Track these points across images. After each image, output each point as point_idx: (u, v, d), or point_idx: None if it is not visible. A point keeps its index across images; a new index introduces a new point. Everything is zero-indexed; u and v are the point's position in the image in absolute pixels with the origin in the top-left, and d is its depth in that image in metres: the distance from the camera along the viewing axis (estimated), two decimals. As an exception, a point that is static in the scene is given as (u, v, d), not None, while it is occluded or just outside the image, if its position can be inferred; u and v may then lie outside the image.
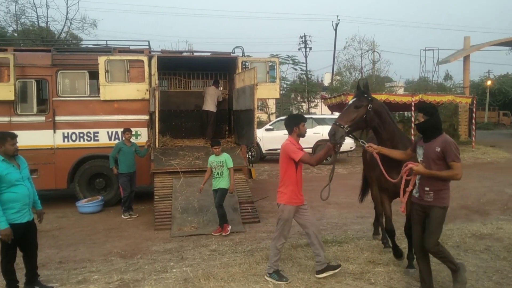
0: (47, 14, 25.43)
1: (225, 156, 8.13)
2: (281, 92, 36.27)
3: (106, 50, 11.21)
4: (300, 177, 5.34)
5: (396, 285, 5.11)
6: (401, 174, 4.72)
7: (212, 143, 8.39)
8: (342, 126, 4.94)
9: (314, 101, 34.59)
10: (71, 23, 25.84)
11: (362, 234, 7.53)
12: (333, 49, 38.06)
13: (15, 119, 10.07)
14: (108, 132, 10.54)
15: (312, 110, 34.47)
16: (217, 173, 8.04)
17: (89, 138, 10.47)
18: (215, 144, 8.26)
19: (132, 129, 10.07)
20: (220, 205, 7.97)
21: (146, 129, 10.71)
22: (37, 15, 25.40)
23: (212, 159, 8.17)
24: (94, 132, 10.51)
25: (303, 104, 34.71)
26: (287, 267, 5.69)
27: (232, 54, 11.85)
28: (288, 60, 31.73)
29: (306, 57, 38.75)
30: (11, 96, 9.82)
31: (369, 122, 5.15)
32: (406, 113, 27.20)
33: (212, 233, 7.92)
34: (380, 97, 20.54)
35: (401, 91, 34.98)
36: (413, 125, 21.57)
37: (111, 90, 10.44)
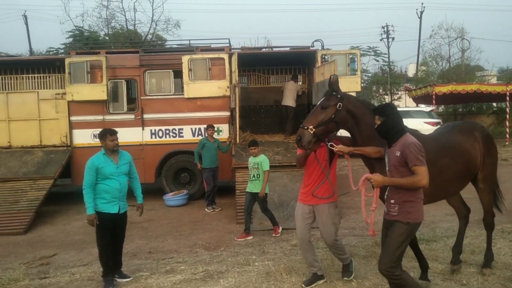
0: (135, 18, 26.99)
1: (261, 158, 7.77)
2: (362, 84, 35.36)
3: (189, 49, 11.62)
4: (307, 177, 5.03)
5: (490, 287, 4.76)
6: (358, 186, 4.09)
7: (250, 143, 7.97)
8: (307, 128, 4.38)
9: (398, 93, 33.22)
10: (156, 24, 27.15)
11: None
12: (417, 38, 36.35)
13: (108, 117, 10.79)
14: (192, 129, 10.93)
15: (396, 103, 33.16)
16: (253, 176, 7.73)
17: (174, 135, 10.93)
18: (252, 144, 7.84)
19: (214, 125, 10.37)
20: (265, 209, 7.72)
21: (227, 125, 10.95)
22: (126, 19, 27.01)
23: (250, 160, 7.89)
24: (179, 129, 10.95)
25: (386, 96, 33.51)
26: (371, 265, 5.52)
27: (311, 48, 11.74)
28: (369, 52, 30.70)
29: (388, 47, 37.38)
30: (104, 96, 10.53)
31: (340, 124, 4.51)
32: (500, 104, 25.23)
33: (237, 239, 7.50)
34: (471, 87, 19.27)
35: (493, 80, 32.52)
36: (507, 116, 19.99)
37: (194, 88, 10.80)
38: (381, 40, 38.25)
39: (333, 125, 4.49)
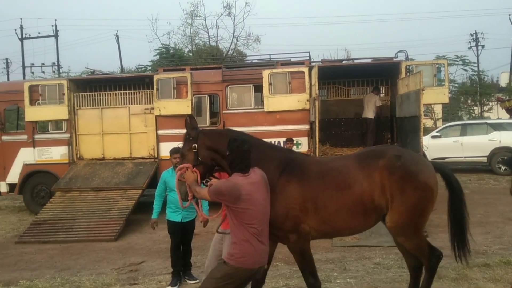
0: (217, 34, 27.93)
1: None
2: (449, 95, 33.63)
3: (270, 63, 11.80)
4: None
5: None
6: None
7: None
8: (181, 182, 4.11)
9: (488, 104, 31.15)
10: (237, 40, 27.95)
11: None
12: (510, 45, 33.97)
13: (192, 131, 11.19)
14: (271, 142, 11.01)
15: (486, 114, 31.11)
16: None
17: (254, 148, 11.08)
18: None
19: (293, 138, 10.38)
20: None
21: (306, 138, 10.92)
22: (208, 35, 28.09)
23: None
24: (259, 142, 11.08)
25: (475, 107, 31.55)
26: (463, 287, 5.17)
27: (394, 59, 11.40)
28: (457, 61, 29.17)
29: (477, 56, 35.32)
30: (188, 111, 10.97)
31: (206, 163, 4.14)
32: None
33: None
34: None
35: None
36: None
37: (274, 102, 10.93)
38: (469, 48, 36.29)
39: (203, 166, 4.14)
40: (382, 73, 12.19)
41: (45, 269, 7.27)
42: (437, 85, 10.79)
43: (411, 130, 9.73)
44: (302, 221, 4.04)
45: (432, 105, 24.91)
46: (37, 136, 11.74)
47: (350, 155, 4.61)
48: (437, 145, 16.25)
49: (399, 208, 4.05)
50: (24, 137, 11.75)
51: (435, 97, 10.69)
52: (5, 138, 11.89)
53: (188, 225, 6.11)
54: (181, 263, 6.17)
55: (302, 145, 10.94)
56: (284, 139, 10.37)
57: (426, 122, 28.78)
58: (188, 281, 6.10)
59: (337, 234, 4.49)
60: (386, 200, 4.06)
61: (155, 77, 11.23)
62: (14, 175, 11.69)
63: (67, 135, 11.61)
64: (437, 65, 10.97)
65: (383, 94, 12.81)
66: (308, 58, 11.99)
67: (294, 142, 10.43)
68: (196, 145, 4.13)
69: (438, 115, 30.35)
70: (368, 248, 7.58)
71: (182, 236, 6.11)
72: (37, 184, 11.71)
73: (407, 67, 10.97)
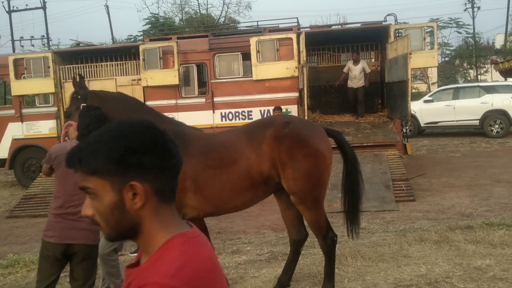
0: (207, 1, 27.44)
1: None
2: (444, 59, 33.30)
3: (257, 31, 11.61)
4: None
5: None
6: None
7: None
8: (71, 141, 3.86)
9: (484, 67, 30.89)
10: (228, 7, 27.43)
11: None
12: (506, 5, 33.41)
13: (180, 101, 11.12)
14: (260, 111, 10.95)
15: (483, 77, 30.90)
16: None
17: (243, 117, 11.03)
18: None
19: (282, 106, 10.31)
20: None
21: (296, 106, 10.84)
22: (199, 3, 27.60)
23: None
24: (248, 111, 11.03)
25: (470, 71, 31.31)
26: (443, 250, 5.23)
27: (384, 23, 11.22)
28: (451, 23, 28.76)
29: (473, 18, 34.75)
30: (176, 81, 10.85)
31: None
32: None
33: None
34: None
35: None
36: None
37: (262, 70, 10.79)
38: (465, 10, 35.65)
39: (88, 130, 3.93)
40: (372, 38, 12.00)
41: (34, 242, 7.30)
42: (428, 49, 10.65)
43: (400, 95, 9.68)
44: (182, 203, 3.79)
45: (426, 69, 24.74)
46: (24, 111, 11.63)
47: (238, 127, 4.37)
48: (430, 110, 16.22)
49: (292, 175, 3.87)
50: (12, 111, 11.64)
51: (424, 61, 10.57)
52: (-7, 112, 11.78)
53: None
54: None
55: (292, 113, 10.86)
56: (273, 107, 10.30)
57: (420, 86, 28.65)
58: None
59: (223, 212, 4.27)
60: (276, 170, 3.89)
61: (141, 47, 11.04)
62: (3, 150, 11.63)
63: (55, 109, 11.50)
64: (426, 28, 10.80)
65: (373, 59, 12.66)
66: (296, 24, 11.78)
67: (283, 110, 10.37)
68: (84, 105, 3.95)
69: (432, 80, 30.17)
70: (356, 213, 7.63)
71: None
72: (28, 159, 11.68)
73: (397, 31, 10.80)
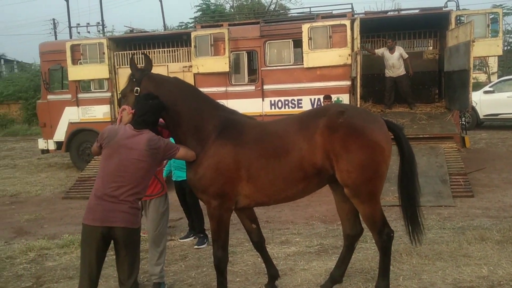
0: (259, -12, 27.12)
1: None
2: (506, 48, 31.44)
3: (310, 17, 11.34)
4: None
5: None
6: None
7: None
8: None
9: (550, 57, 28.95)
10: (279, -7, 27.06)
11: None
12: None
13: (230, 89, 11.08)
14: (310, 99, 10.72)
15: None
16: None
17: (293, 105, 10.85)
18: None
19: (333, 95, 10.07)
20: None
21: (347, 95, 10.53)
22: (250, -10, 27.36)
23: None
24: (298, 99, 10.83)
25: (535, 60, 29.44)
26: (507, 251, 4.90)
27: (444, 9, 10.64)
28: (515, 10, 27.07)
29: (540, 4, 32.56)
30: (226, 68, 10.80)
31: None
32: None
33: None
34: None
35: None
36: None
37: (313, 57, 10.53)
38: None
39: None
40: (431, 25, 11.42)
41: (88, 223, 7.53)
42: (491, 36, 10.01)
43: (460, 85, 9.17)
44: (229, 189, 3.78)
45: (486, 58, 23.46)
46: (80, 95, 11.99)
47: (292, 116, 4.18)
48: (490, 101, 15.37)
49: (346, 167, 3.66)
50: (68, 96, 12.03)
51: (488, 49, 9.93)
52: (50, 97, 12.22)
53: (184, 183, 5.63)
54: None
55: (343, 102, 10.57)
56: (323, 96, 10.06)
57: (480, 76, 27.22)
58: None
59: (274, 202, 4.13)
60: (330, 161, 3.70)
61: (193, 34, 11.05)
62: (60, 133, 12.07)
63: (109, 94, 11.77)
64: (490, 15, 10.13)
65: (431, 47, 12.09)
66: (350, 10, 11.41)
67: (334, 99, 10.11)
68: (138, 88, 3.90)
69: (492, 69, 28.59)
70: (409, 208, 7.33)
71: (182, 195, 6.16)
72: (83, 142, 12.06)
73: (458, 17, 10.21)
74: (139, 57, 11.71)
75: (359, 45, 9.77)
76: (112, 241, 3.42)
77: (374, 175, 3.75)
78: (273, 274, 4.35)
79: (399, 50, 10.79)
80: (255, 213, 4.34)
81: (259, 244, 4.35)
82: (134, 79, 3.96)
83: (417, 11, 11.12)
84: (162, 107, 3.71)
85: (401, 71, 10.80)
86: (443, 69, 10.78)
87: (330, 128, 3.69)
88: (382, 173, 3.81)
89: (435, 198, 7.70)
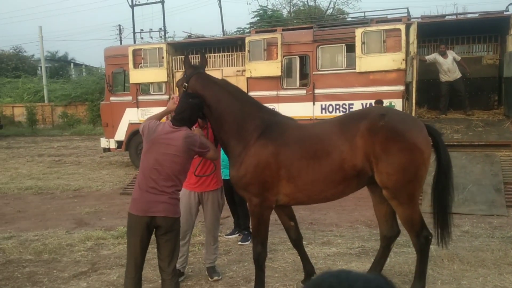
0: (316, -6, 27.21)
1: None
2: None
3: (364, 22, 11.29)
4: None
5: None
6: None
7: None
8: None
9: None
10: (336, -1, 27.02)
11: None
12: None
13: (281, 92, 11.27)
14: (362, 104, 10.67)
15: None
16: None
17: (344, 110, 10.85)
18: None
19: (386, 100, 9.99)
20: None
21: (401, 100, 10.39)
22: (307, -4, 27.51)
23: None
24: (349, 104, 10.82)
25: None
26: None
27: (505, 13, 10.25)
28: None
29: None
30: (278, 72, 11.01)
31: None
32: None
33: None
34: None
35: None
36: None
37: (366, 62, 10.50)
38: None
39: None
40: (490, 29, 11.03)
41: (142, 217, 7.99)
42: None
43: (520, 92, 8.83)
44: (270, 188, 3.92)
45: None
46: (140, 97, 12.65)
47: (333, 118, 4.27)
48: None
49: (386, 169, 3.74)
50: (129, 98, 12.72)
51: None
52: (113, 99, 12.97)
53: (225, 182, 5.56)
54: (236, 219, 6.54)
55: (396, 107, 10.43)
56: (374, 100, 10.01)
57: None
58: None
59: (313, 202, 4.27)
60: (370, 163, 3.79)
61: (247, 39, 11.36)
62: (121, 133, 12.78)
63: (166, 96, 12.32)
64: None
65: (492, 52, 11.66)
66: (406, 14, 11.24)
67: (387, 104, 10.02)
68: (186, 84, 4.15)
69: None
70: (459, 215, 7.16)
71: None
72: (141, 142, 12.60)
73: (520, 21, 9.81)
74: (195, 62, 12.20)
75: (415, 50, 9.62)
76: (154, 230, 3.69)
77: (413, 177, 3.80)
78: (309, 270, 4.48)
79: (452, 54, 10.56)
80: (293, 212, 4.49)
81: (297, 242, 4.49)
82: (185, 76, 4.21)
83: (476, 15, 10.80)
84: (201, 107, 3.97)
85: (457, 74, 10.57)
86: (502, 74, 10.38)
87: (371, 131, 3.76)
88: (421, 175, 3.86)
89: (488, 207, 7.47)
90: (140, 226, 3.57)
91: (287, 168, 3.89)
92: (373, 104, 10.07)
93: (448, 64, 10.49)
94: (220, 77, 11.55)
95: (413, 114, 9.61)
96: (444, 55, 10.55)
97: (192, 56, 12.36)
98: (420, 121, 4.11)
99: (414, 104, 9.58)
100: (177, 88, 4.31)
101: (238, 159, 4.01)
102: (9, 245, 6.22)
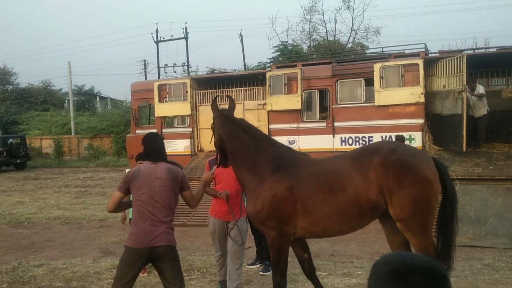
0: (335, 28, 27.87)
1: None
2: None
3: (382, 57, 11.57)
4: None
5: None
6: None
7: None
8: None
9: None
10: (356, 33, 27.56)
11: None
12: None
13: (301, 125, 11.52)
14: (382, 136, 10.82)
15: None
16: None
17: (364, 142, 11.00)
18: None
19: (405, 132, 10.13)
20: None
21: (420, 133, 10.51)
22: (326, 30, 28.18)
23: None
24: (369, 136, 10.98)
25: None
26: None
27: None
28: None
29: None
30: (298, 106, 11.29)
31: (217, 145, 4.60)
32: None
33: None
34: None
35: None
36: None
37: (385, 96, 10.71)
38: None
39: (216, 146, 4.61)
40: (509, 63, 11.15)
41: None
42: None
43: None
44: (287, 221, 4.07)
45: None
46: (164, 130, 13.06)
47: (345, 153, 4.46)
48: None
49: (399, 202, 3.88)
50: (154, 131, 13.13)
51: None
52: (139, 131, 13.41)
53: None
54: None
55: (416, 140, 10.56)
56: (396, 134, 10.13)
57: None
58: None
59: (328, 235, 4.44)
60: (383, 196, 3.93)
61: (268, 74, 11.74)
62: None
63: (190, 129, 12.72)
64: None
65: (511, 85, 11.73)
66: (424, 49, 11.48)
67: (407, 136, 10.14)
68: (213, 126, 4.62)
69: None
70: (481, 249, 7.17)
71: None
72: (164, 173, 13.00)
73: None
74: (216, 91, 12.58)
75: (465, 81, 9.70)
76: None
77: (425, 208, 3.94)
78: None
79: (479, 89, 10.53)
80: (307, 243, 4.64)
81: (310, 272, 4.63)
82: (213, 118, 4.63)
83: (494, 49, 10.96)
84: (163, 143, 4.28)
85: (482, 111, 10.49)
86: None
87: (384, 165, 3.93)
88: (433, 206, 4.00)
89: (510, 240, 7.45)
90: (140, 258, 3.78)
91: (303, 202, 4.05)
92: (394, 137, 10.20)
93: (473, 100, 10.56)
94: (242, 110, 12.00)
95: (464, 146, 9.62)
96: (472, 90, 10.54)
97: (215, 90, 12.85)
98: (427, 155, 4.32)
99: (464, 136, 9.62)
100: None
101: (254, 194, 4.22)
102: (39, 272, 6.48)
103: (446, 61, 10.34)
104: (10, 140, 24.65)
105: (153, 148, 4.10)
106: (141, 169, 3.97)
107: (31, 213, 11.77)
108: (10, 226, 10.68)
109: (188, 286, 5.78)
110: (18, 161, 24.46)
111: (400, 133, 10.03)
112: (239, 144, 4.36)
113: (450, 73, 10.13)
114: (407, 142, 9.94)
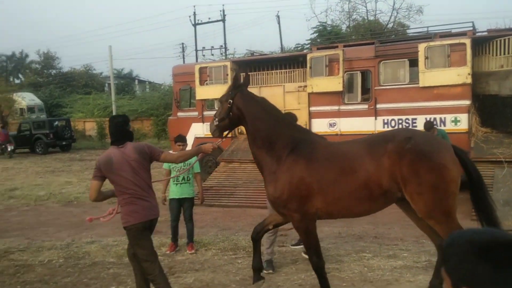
0: (375, 8, 27.18)
1: (194, 158, 6.03)
2: None
3: (427, 36, 11.27)
4: None
5: None
6: None
7: (176, 138, 6.98)
8: (214, 119, 4.60)
9: None
10: (397, 12, 26.80)
11: None
12: None
13: (343, 107, 11.42)
14: (426, 118, 10.56)
15: None
16: (182, 178, 6.68)
17: (407, 124, 10.82)
18: (179, 140, 6.83)
19: (451, 114, 9.93)
20: (190, 219, 6.79)
21: (466, 115, 10.23)
22: (367, 10, 27.52)
23: None
24: (412, 119, 10.78)
25: None
26: None
27: None
28: None
29: None
30: (340, 88, 11.19)
31: (232, 120, 4.49)
32: None
33: (166, 251, 6.67)
34: None
35: None
36: None
37: (430, 76, 10.46)
38: None
39: (228, 121, 4.49)
40: None
41: (210, 227, 8.40)
42: None
43: None
44: (307, 201, 4.09)
45: None
46: (205, 113, 13.23)
47: (362, 138, 4.41)
48: None
49: (415, 189, 3.84)
50: (195, 113, 13.36)
51: None
52: (180, 114, 13.67)
53: None
54: None
55: (461, 122, 10.29)
56: (442, 115, 9.93)
57: None
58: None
59: (341, 216, 4.44)
60: (397, 184, 3.89)
61: (308, 56, 11.66)
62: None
63: (230, 112, 12.81)
64: None
65: None
66: (471, 28, 11.09)
67: (452, 118, 9.89)
68: (231, 101, 4.43)
69: None
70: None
71: None
72: (205, 155, 13.23)
73: None
74: (258, 78, 12.61)
75: None
76: None
77: (444, 194, 3.87)
78: (255, 266, 4.84)
79: None
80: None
81: (258, 238, 4.89)
82: (230, 92, 4.54)
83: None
84: (125, 123, 4.35)
85: None
86: None
87: (398, 153, 3.90)
88: (452, 191, 3.90)
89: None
90: (146, 230, 4.12)
91: (318, 182, 4.10)
92: (440, 119, 10.00)
93: None
94: (282, 93, 12.02)
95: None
96: None
97: (255, 72, 12.87)
98: (446, 142, 4.23)
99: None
100: (221, 103, 4.65)
101: (274, 177, 4.25)
102: (93, 248, 6.80)
103: (504, 40, 9.97)
104: (56, 123, 25.59)
105: (114, 131, 4.26)
106: (112, 156, 4.11)
107: (79, 193, 12.27)
108: (61, 205, 11.19)
109: (235, 264, 5.95)
110: (64, 143, 25.38)
111: (429, 118, 9.84)
112: (261, 125, 4.35)
113: (510, 52, 9.74)
114: (452, 125, 9.75)
